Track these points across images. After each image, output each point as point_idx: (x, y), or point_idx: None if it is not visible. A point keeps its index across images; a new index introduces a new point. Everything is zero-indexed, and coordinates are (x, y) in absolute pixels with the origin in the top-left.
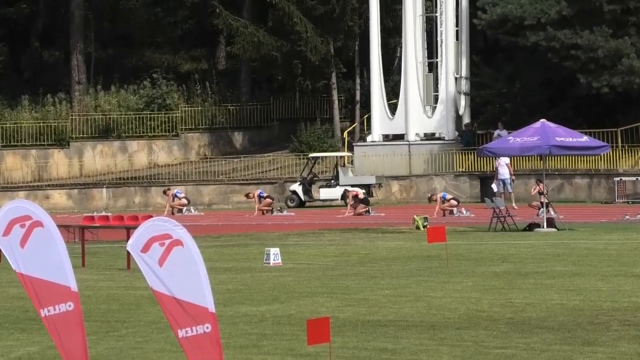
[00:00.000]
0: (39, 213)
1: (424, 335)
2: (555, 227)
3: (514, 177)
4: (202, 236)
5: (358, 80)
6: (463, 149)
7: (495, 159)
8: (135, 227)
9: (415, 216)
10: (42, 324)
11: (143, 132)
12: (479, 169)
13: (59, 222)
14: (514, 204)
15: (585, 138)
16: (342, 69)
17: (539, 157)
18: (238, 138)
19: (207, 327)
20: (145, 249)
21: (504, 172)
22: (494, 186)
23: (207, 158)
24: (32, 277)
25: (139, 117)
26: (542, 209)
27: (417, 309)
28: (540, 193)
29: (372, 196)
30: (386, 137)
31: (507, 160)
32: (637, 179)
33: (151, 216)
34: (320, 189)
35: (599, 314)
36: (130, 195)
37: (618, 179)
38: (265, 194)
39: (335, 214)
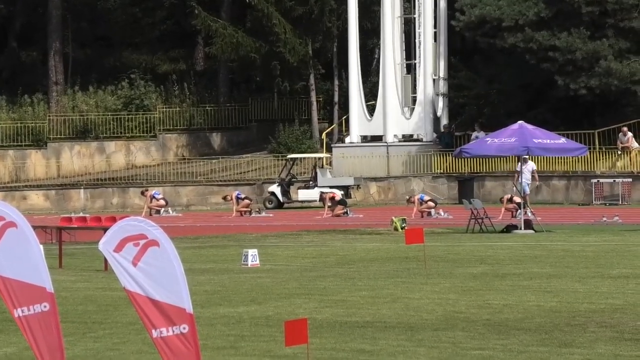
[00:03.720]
0: (12, 214)
1: (402, 336)
2: (532, 229)
3: (537, 183)
4: (180, 237)
5: (336, 82)
6: (441, 150)
7: (521, 162)
8: None
9: (393, 217)
10: None
11: (121, 133)
12: (457, 171)
13: (36, 223)
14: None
15: (562, 140)
16: (321, 70)
17: (516, 159)
18: (216, 139)
19: (184, 328)
20: (119, 248)
21: (528, 177)
22: (526, 188)
23: (185, 159)
24: (5, 277)
25: (117, 118)
26: (519, 211)
27: (394, 310)
28: (510, 200)
29: (351, 197)
30: (364, 139)
31: (534, 166)
32: (614, 180)
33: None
34: (299, 190)
35: (575, 315)
36: (108, 196)
37: (595, 180)
38: (243, 195)
39: (314, 215)
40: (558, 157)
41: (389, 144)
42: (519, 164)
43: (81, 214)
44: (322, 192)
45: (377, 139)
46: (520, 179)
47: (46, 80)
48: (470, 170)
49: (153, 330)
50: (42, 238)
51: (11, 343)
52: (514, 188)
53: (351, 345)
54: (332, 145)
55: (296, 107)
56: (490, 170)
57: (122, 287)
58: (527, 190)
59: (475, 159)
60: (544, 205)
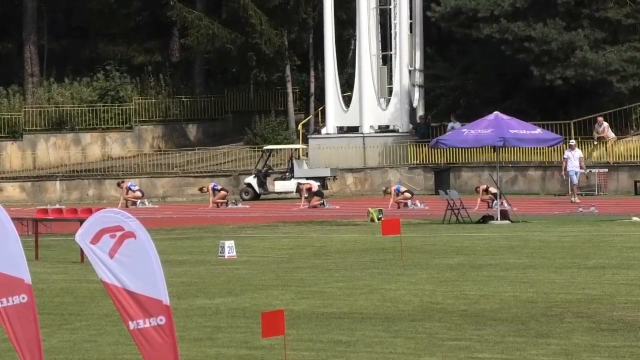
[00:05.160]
0: None
1: (379, 327)
2: (508, 219)
3: (586, 172)
4: (156, 229)
5: (312, 73)
6: (417, 141)
7: (568, 149)
8: None
9: (369, 208)
10: None
11: (96, 125)
12: (433, 161)
13: (12, 215)
14: (576, 198)
15: (538, 130)
16: (297, 62)
17: (492, 149)
18: (192, 130)
19: (161, 320)
20: (95, 240)
21: (576, 164)
22: (574, 178)
23: (161, 150)
24: None
25: (93, 110)
26: (495, 201)
27: (371, 302)
28: (485, 191)
29: (327, 188)
30: (341, 130)
31: (580, 153)
32: (590, 171)
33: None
34: (275, 182)
35: (552, 306)
36: (83, 187)
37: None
38: (219, 187)
39: (290, 206)
40: (534, 148)
41: (365, 135)
42: (566, 151)
43: (57, 206)
44: (298, 184)
45: (354, 130)
46: (567, 168)
47: (22, 72)
48: (447, 161)
49: (130, 322)
50: (19, 230)
51: None
52: (563, 176)
53: (328, 336)
54: (309, 136)
55: (272, 98)
56: (467, 161)
57: (99, 279)
58: (575, 180)
59: (451, 150)
60: (520, 195)
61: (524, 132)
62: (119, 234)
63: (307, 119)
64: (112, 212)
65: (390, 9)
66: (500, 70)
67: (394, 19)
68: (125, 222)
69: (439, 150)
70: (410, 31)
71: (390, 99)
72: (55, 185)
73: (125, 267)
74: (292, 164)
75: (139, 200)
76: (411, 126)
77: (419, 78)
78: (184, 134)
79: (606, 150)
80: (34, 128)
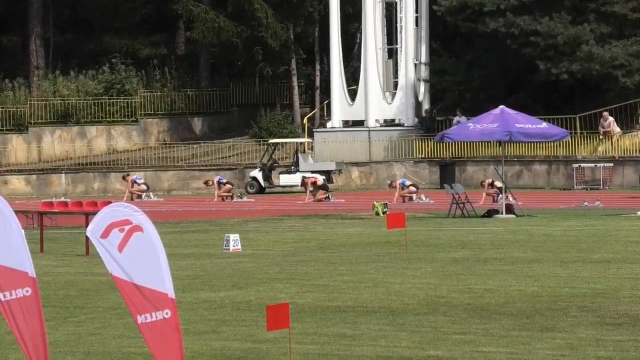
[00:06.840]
0: None
1: (383, 321)
2: (514, 214)
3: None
4: (161, 222)
5: (318, 66)
6: (423, 135)
7: None
8: (94, 213)
9: (374, 202)
10: None
11: (102, 118)
12: (439, 155)
13: (17, 208)
14: None
15: (544, 124)
16: (302, 55)
17: (497, 143)
18: (197, 124)
19: (167, 313)
20: (105, 234)
21: None
22: None
23: (166, 144)
24: None
25: (98, 103)
26: (500, 195)
27: (376, 295)
28: (491, 185)
29: (332, 182)
30: (346, 123)
31: None
32: (595, 165)
33: (110, 202)
34: (280, 175)
35: (557, 300)
36: (89, 181)
37: (577, 165)
38: (224, 180)
39: (295, 200)
40: (539, 142)
41: (370, 129)
42: None
43: (62, 199)
44: (303, 177)
45: (359, 123)
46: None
47: (27, 65)
48: (452, 155)
49: (138, 316)
50: (24, 223)
51: None
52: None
53: (333, 329)
54: (314, 130)
55: (278, 92)
56: (472, 155)
57: (106, 273)
58: None
59: (456, 144)
60: (526, 189)
61: (530, 126)
62: (127, 227)
63: (312, 113)
64: (120, 206)
65: (396, 3)
66: (505, 65)
67: (400, 13)
68: (134, 216)
69: (444, 144)
70: (416, 25)
71: (395, 92)
72: (60, 178)
73: (133, 261)
74: (297, 158)
75: (144, 194)
76: (416, 120)
77: (424, 72)
78: (190, 127)
79: (611, 145)
80: (40, 121)
